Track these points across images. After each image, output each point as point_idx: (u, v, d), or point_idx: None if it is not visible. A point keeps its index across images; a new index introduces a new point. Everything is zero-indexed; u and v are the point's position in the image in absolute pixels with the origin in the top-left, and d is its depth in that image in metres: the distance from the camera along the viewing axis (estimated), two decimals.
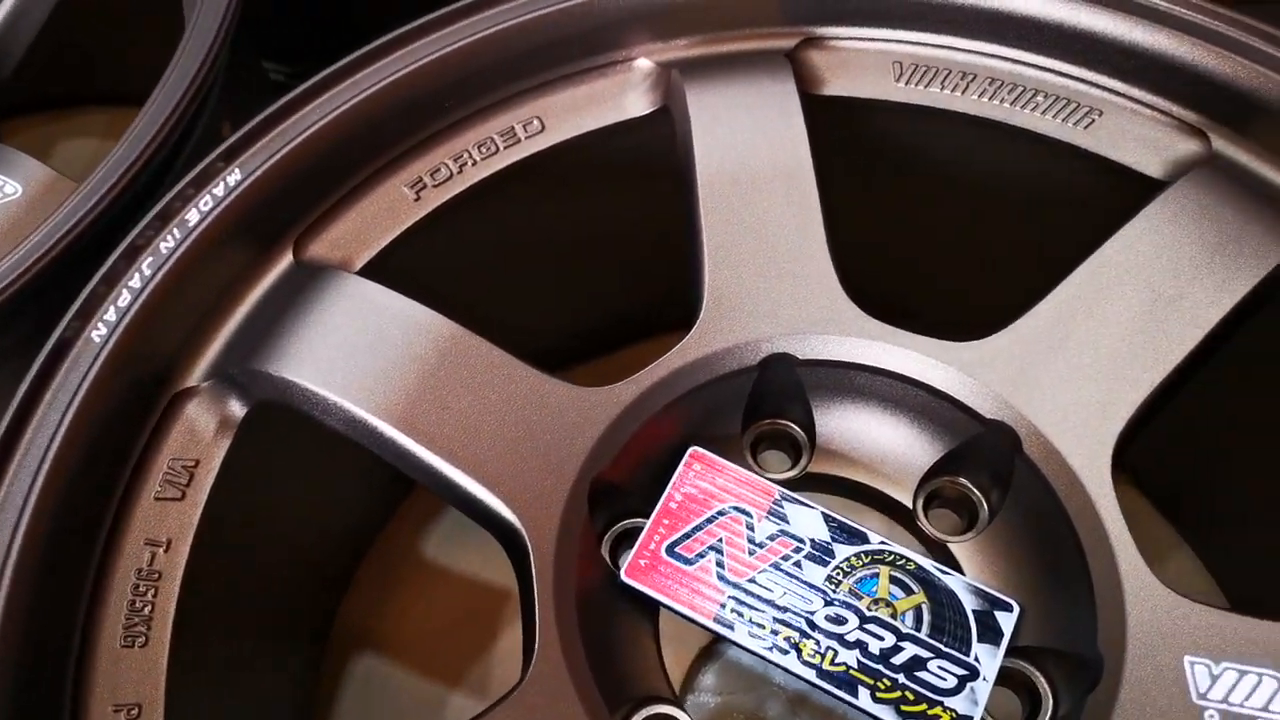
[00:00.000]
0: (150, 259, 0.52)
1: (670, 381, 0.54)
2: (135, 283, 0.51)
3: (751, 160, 0.57)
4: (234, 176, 0.54)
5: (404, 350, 0.51)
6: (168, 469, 0.50)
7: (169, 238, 0.52)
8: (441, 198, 0.60)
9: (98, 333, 0.50)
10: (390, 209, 0.59)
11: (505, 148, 0.61)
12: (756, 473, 0.59)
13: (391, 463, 0.51)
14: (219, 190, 0.53)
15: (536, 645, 0.46)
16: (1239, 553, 0.77)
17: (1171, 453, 0.79)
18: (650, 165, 0.63)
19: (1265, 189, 0.55)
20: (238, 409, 0.52)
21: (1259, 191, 0.55)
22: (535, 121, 0.62)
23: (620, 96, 0.63)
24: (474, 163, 0.61)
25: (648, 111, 0.62)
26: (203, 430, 0.52)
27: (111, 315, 0.50)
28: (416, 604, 0.78)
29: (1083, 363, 0.51)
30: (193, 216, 0.53)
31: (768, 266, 0.56)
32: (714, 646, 0.75)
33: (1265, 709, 0.42)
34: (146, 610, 0.47)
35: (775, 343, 0.55)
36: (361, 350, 0.51)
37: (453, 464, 0.49)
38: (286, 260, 0.56)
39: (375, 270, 0.57)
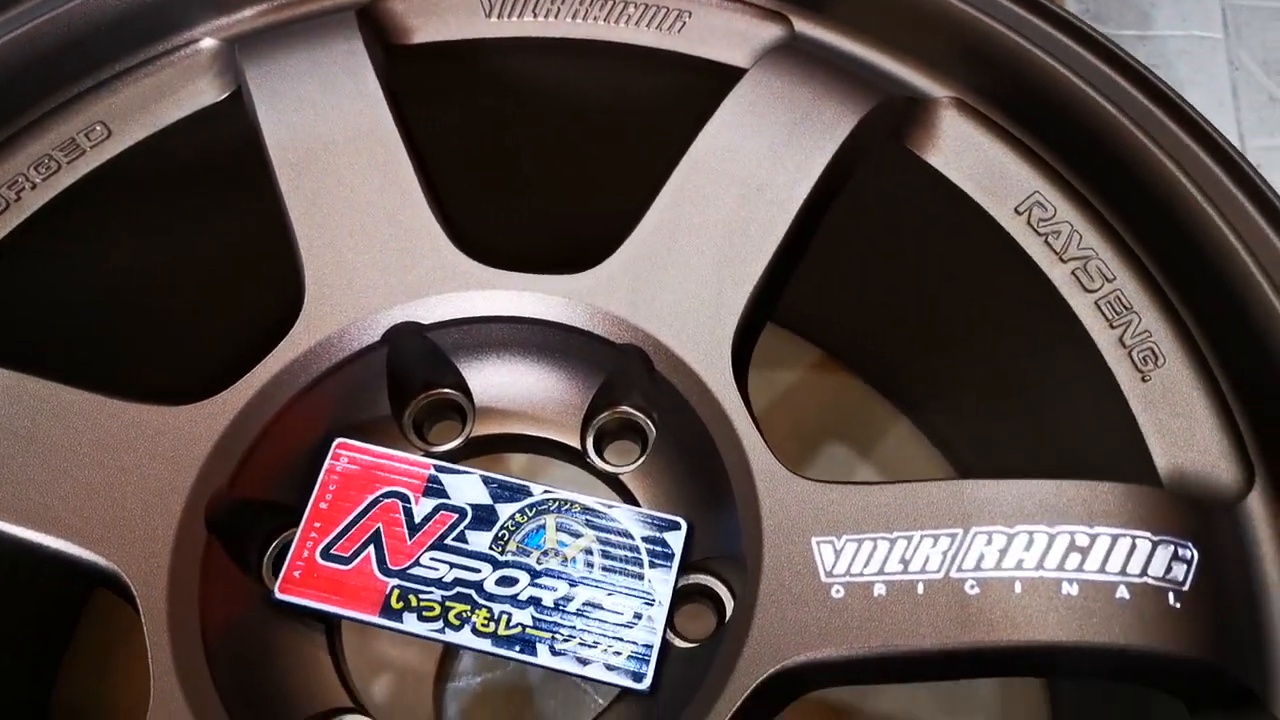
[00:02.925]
0: None
1: (285, 378, 0.51)
2: None
3: (323, 131, 0.53)
4: None
5: None
6: None
7: None
8: None
9: None
10: None
11: (68, 163, 0.55)
12: (418, 451, 0.57)
13: None
14: None
15: (152, 695, 0.42)
16: (953, 415, 0.80)
17: (874, 331, 0.82)
18: (248, 155, 0.58)
19: (841, 60, 0.56)
20: None
21: (834, 65, 0.55)
22: (99, 127, 0.56)
23: (191, 84, 0.57)
24: (33, 186, 0.54)
25: (222, 97, 0.57)
26: None
27: None
28: (141, 662, 0.72)
29: (688, 269, 0.50)
30: None
31: (367, 237, 0.52)
32: None
33: (881, 572, 0.42)
34: None
35: (393, 312, 0.52)
36: None
37: (23, 525, 0.44)
38: None
39: None
